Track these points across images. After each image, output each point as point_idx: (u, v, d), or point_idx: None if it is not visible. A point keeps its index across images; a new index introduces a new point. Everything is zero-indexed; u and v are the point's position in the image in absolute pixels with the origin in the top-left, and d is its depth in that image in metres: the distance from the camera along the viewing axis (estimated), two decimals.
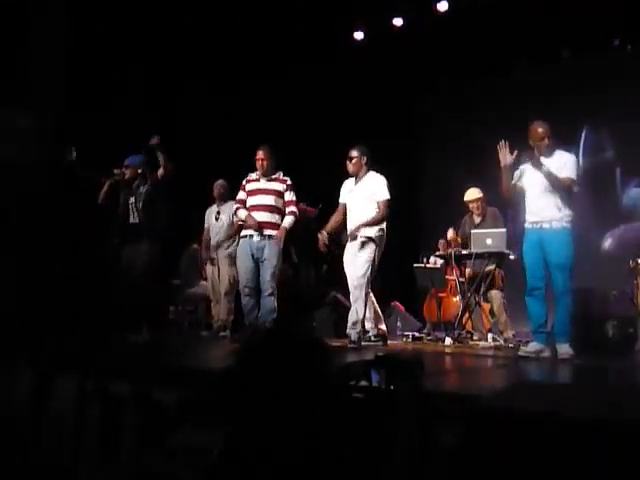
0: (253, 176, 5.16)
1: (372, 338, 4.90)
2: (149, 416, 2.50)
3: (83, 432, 2.63)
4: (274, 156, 5.12)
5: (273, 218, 4.99)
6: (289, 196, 5.10)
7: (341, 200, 5.11)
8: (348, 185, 5.08)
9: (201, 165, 6.66)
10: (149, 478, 2.26)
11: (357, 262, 4.78)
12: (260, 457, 1.73)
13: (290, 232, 5.12)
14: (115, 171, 5.19)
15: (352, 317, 4.73)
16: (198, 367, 3.15)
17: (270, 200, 5.01)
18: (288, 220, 5.02)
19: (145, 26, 6.63)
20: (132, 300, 4.83)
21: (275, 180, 5.10)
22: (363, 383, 1.92)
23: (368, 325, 4.92)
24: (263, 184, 5.09)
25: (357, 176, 4.97)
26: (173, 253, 6.50)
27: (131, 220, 5.09)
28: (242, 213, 5.08)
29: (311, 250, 6.51)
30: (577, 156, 4.51)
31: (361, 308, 4.70)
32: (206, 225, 6.18)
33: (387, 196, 4.85)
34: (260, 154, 5.05)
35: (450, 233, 6.76)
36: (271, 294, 4.82)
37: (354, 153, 4.94)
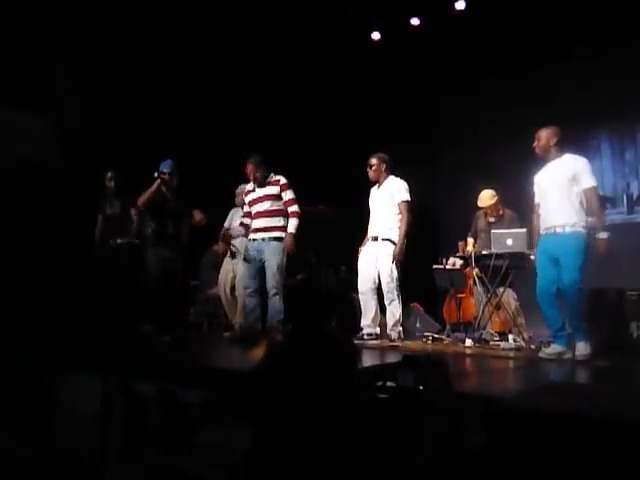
0: (249, 187, 5.31)
1: (365, 336, 5.03)
2: (174, 415, 2.52)
3: (108, 431, 2.66)
4: (262, 165, 5.18)
5: (273, 222, 5.08)
6: (286, 195, 5.13)
7: (370, 207, 5.33)
8: (372, 191, 5.32)
9: (220, 168, 6.70)
10: (175, 477, 2.27)
11: (384, 266, 4.99)
12: (286, 456, 1.74)
13: (306, 234, 5.17)
14: (160, 175, 5.23)
15: (390, 319, 4.99)
16: (222, 367, 3.17)
17: (266, 205, 5.12)
18: (293, 224, 5.05)
19: (162, 28, 6.69)
20: (159, 302, 4.92)
21: (268, 184, 5.16)
22: (389, 384, 1.92)
23: (364, 322, 5.10)
24: (257, 192, 5.20)
25: (378, 182, 5.19)
26: (193, 255, 6.54)
27: (168, 230, 5.23)
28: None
29: (329, 251, 6.53)
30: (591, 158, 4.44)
31: (397, 309, 4.98)
32: (227, 224, 6.16)
33: (407, 198, 5.02)
34: (248, 168, 5.16)
35: (461, 246, 6.74)
36: (276, 294, 4.89)
37: (373, 161, 5.18)
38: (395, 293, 4.93)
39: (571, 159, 4.21)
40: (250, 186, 5.28)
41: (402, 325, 5.17)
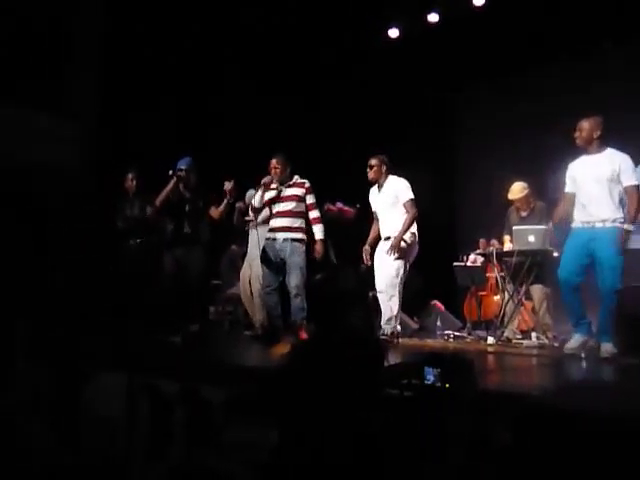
0: (271, 184, 5.18)
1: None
2: (199, 414, 2.53)
3: (134, 430, 2.68)
4: (288, 162, 5.18)
5: (295, 222, 5.09)
6: (309, 199, 5.16)
7: (372, 209, 5.34)
8: (373, 192, 5.31)
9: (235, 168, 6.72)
10: (202, 475, 2.29)
11: (394, 263, 4.94)
12: (312, 455, 1.74)
13: (326, 233, 5.19)
14: (176, 173, 5.12)
15: (386, 314, 4.94)
16: (247, 366, 3.18)
17: (290, 206, 5.09)
18: (320, 229, 5.13)
19: (180, 27, 6.73)
20: (181, 302, 4.93)
21: (293, 185, 5.16)
22: (415, 382, 1.92)
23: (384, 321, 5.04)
24: (281, 191, 5.15)
25: (378, 183, 5.18)
26: (213, 254, 6.57)
27: (185, 230, 5.14)
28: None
29: (349, 251, 6.52)
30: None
31: (395, 305, 4.92)
32: (247, 201, 5.96)
33: (411, 196, 5.05)
34: (274, 163, 5.14)
35: (482, 244, 6.67)
36: (298, 295, 4.92)
37: (373, 161, 5.17)
38: (396, 289, 4.90)
39: (614, 155, 4.09)
40: (271, 182, 5.21)
41: (400, 324, 5.14)
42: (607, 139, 4.16)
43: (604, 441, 1.77)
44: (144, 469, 2.58)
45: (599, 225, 4.07)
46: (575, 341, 4.12)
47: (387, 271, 4.96)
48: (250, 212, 5.61)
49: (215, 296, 7.06)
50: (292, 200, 5.10)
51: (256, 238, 5.48)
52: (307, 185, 5.16)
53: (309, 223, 5.18)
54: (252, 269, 5.80)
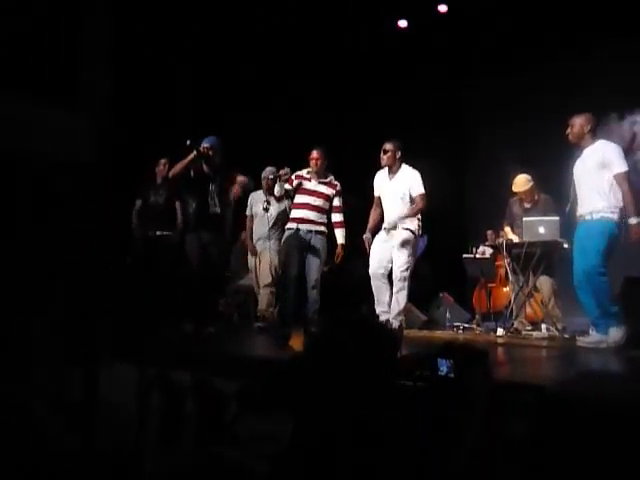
0: (304, 174, 5.19)
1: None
2: (211, 406, 2.55)
3: (147, 421, 2.70)
4: (328, 157, 5.19)
5: (321, 218, 5.14)
6: (338, 202, 5.21)
7: (376, 193, 5.24)
8: (381, 177, 5.19)
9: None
10: (217, 466, 2.31)
11: (401, 256, 4.90)
12: (326, 447, 1.75)
13: None
14: (198, 147, 4.79)
15: (395, 307, 4.90)
16: (260, 357, 3.19)
17: (319, 202, 5.12)
18: (342, 234, 5.20)
19: (190, 24, 6.71)
20: (199, 295, 4.79)
21: (327, 184, 5.19)
22: (428, 373, 1.92)
23: (380, 309, 5.00)
24: (314, 185, 5.16)
25: (390, 169, 5.07)
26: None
27: (212, 210, 4.86)
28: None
29: (356, 242, 6.49)
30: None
31: (403, 298, 4.89)
32: (248, 212, 6.09)
33: (423, 191, 5.00)
34: (315, 154, 5.14)
35: (489, 234, 6.64)
36: (315, 287, 4.96)
37: (388, 146, 5.05)
38: (405, 283, 4.87)
39: (602, 144, 4.17)
40: (306, 173, 5.18)
41: (409, 316, 5.17)
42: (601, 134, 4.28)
43: (618, 429, 1.77)
44: (158, 459, 2.60)
45: (587, 218, 4.14)
46: (590, 338, 4.14)
47: (398, 265, 4.90)
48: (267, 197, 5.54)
49: (225, 288, 7.06)
50: (323, 198, 5.14)
51: (266, 230, 5.48)
52: (338, 188, 5.21)
53: (331, 226, 5.22)
54: (262, 259, 5.82)
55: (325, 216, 5.18)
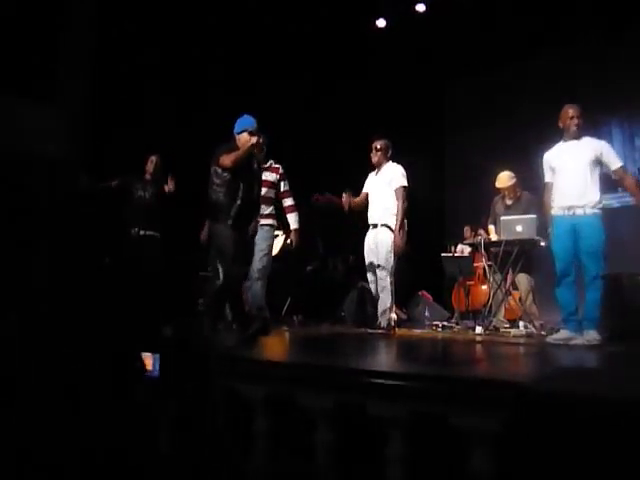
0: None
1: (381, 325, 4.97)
2: (286, 418, 2.45)
3: (219, 434, 2.58)
4: (266, 142, 4.69)
5: (266, 210, 4.74)
6: (284, 186, 4.91)
7: (364, 190, 5.26)
8: (371, 177, 5.25)
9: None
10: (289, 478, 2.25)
11: (379, 253, 4.90)
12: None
13: (314, 224, 5.07)
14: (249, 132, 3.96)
15: (381, 306, 4.89)
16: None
17: (263, 191, 4.49)
18: (295, 219, 4.92)
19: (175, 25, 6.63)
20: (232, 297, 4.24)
21: (267, 169, 4.82)
22: None
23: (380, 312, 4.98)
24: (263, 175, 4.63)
25: (378, 167, 5.12)
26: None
27: (255, 199, 4.16)
28: None
29: (338, 241, 6.49)
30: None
31: (388, 296, 4.86)
32: None
33: (405, 184, 4.98)
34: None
35: (467, 232, 6.66)
36: (259, 279, 4.64)
37: (379, 144, 5.10)
38: (388, 280, 4.83)
39: (594, 142, 4.18)
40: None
41: (395, 313, 5.09)
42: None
43: (594, 426, 1.77)
44: (229, 471, 2.51)
45: (579, 212, 4.10)
46: (561, 335, 4.17)
47: (377, 262, 4.91)
48: None
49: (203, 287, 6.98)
50: (265, 186, 4.62)
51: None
52: (281, 171, 4.89)
53: (283, 212, 4.93)
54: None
55: (271, 207, 4.82)
